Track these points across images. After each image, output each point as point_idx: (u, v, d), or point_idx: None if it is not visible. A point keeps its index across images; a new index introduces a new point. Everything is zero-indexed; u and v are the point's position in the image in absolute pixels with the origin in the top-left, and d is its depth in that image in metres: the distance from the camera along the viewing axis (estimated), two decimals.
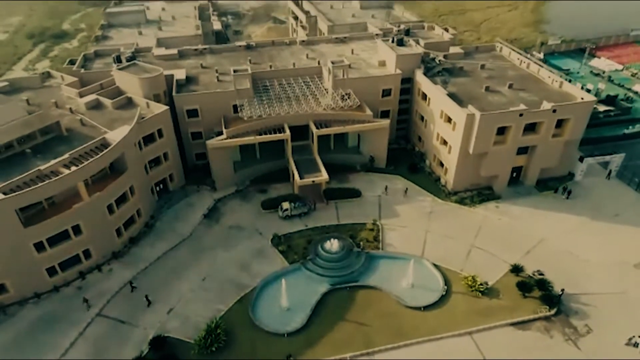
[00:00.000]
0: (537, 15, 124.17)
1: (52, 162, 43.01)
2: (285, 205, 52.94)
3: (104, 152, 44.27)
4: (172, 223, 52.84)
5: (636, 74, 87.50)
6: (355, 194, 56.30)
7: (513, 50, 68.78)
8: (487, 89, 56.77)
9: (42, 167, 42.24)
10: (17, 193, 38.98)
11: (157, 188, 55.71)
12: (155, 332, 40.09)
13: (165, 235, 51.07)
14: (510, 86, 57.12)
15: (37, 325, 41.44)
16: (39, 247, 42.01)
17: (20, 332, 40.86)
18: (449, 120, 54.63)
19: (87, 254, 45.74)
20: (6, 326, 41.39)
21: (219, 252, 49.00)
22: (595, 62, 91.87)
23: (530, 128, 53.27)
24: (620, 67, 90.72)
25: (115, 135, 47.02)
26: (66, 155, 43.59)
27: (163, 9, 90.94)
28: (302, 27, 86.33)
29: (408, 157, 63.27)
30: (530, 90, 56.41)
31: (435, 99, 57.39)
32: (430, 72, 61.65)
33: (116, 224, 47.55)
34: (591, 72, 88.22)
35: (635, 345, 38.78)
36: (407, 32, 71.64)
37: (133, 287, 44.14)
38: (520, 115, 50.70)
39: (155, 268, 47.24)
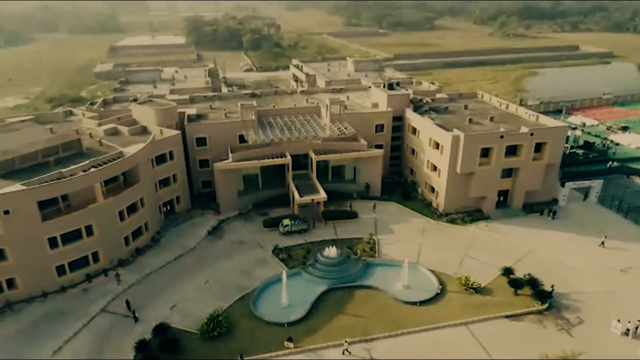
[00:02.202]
0: (518, 86, 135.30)
1: (73, 166, 46.80)
2: (286, 221, 55.78)
3: (121, 159, 48.27)
4: (177, 238, 55.23)
5: (611, 127, 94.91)
6: (352, 215, 59.36)
7: (493, 96, 75.90)
8: (470, 120, 62.49)
9: (63, 170, 45.91)
10: (39, 185, 42.28)
11: (164, 209, 58.73)
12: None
13: (170, 248, 53.24)
14: (491, 119, 62.91)
15: (43, 319, 42.40)
16: (53, 243, 44.25)
17: (25, 324, 41.76)
18: (437, 146, 59.52)
19: (95, 257, 47.69)
20: (12, 320, 42.33)
21: (221, 261, 50.95)
22: (572, 119, 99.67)
23: (512, 152, 58.04)
24: (595, 122, 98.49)
25: (131, 150, 51.34)
26: (86, 162, 47.52)
27: (176, 71, 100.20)
28: (302, 85, 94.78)
29: (401, 188, 67.12)
30: (509, 123, 62.00)
31: (423, 129, 62.85)
32: (418, 110, 67.89)
33: (125, 231, 50.03)
34: (569, 125, 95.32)
35: (627, 332, 39.89)
36: (398, 84, 79.23)
37: (130, 309, 43.20)
38: (501, 137, 55.75)
39: (160, 273, 48.92)
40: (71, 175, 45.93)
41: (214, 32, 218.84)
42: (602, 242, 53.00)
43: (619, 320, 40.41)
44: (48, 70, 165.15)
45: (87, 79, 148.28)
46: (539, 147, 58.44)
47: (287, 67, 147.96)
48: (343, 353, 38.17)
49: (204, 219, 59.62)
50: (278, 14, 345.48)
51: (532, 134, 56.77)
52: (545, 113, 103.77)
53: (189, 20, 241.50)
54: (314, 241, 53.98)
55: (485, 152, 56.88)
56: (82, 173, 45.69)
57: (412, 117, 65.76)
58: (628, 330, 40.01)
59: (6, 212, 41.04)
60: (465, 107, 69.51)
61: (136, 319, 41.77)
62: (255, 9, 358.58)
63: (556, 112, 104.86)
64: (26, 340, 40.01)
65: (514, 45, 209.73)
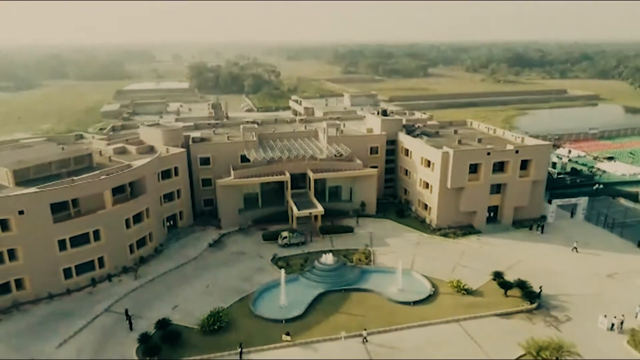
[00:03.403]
0: (508, 124, 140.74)
1: (84, 175, 49.71)
2: (285, 234, 57.99)
3: (129, 169, 51.26)
4: (179, 250, 57.22)
5: (597, 157, 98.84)
6: (348, 229, 61.66)
7: (481, 123, 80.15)
8: (459, 142, 66.11)
9: (75, 178, 48.78)
10: (52, 188, 45.01)
11: (168, 223, 61.02)
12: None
13: (172, 257, 55.17)
14: (479, 140, 66.51)
15: (48, 317, 43.78)
16: (62, 245, 46.35)
17: (31, 322, 43.08)
18: (428, 164, 62.80)
19: (101, 262, 49.57)
20: (18, 318, 43.69)
21: (222, 269, 52.77)
22: (559, 151, 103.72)
23: (500, 168, 61.27)
24: (583, 153, 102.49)
25: (139, 163, 54.44)
26: (97, 172, 50.48)
27: (181, 105, 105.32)
28: (301, 116, 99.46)
29: (396, 207, 69.65)
30: (496, 144, 65.47)
31: (415, 150, 66.39)
32: (410, 134, 71.74)
33: (130, 239, 52.16)
34: (557, 156, 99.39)
35: (612, 327, 41.37)
36: (392, 112, 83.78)
37: (129, 315, 43.30)
38: (488, 153, 59.18)
39: (162, 279, 50.60)
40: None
41: (217, 77, 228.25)
42: (575, 248, 56.37)
43: (605, 316, 42.00)
44: (56, 110, 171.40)
45: (94, 118, 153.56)
46: (525, 165, 61.73)
47: (287, 108, 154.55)
48: (363, 342, 39.95)
49: (205, 233, 61.80)
50: (278, 63, 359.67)
51: (517, 151, 60.24)
52: None
53: (192, 66, 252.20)
54: (312, 252, 55.92)
55: (474, 168, 60.04)
56: (93, 179, 48.52)
57: (405, 140, 69.51)
58: (613, 325, 41.51)
59: (21, 212, 43.47)
60: (455, 131, 73.45)
61: (131, 327, 41.82)
62: (256, 58, 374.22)
63: None
64: (31, 335, 41.25)
65: (505, 89, 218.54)
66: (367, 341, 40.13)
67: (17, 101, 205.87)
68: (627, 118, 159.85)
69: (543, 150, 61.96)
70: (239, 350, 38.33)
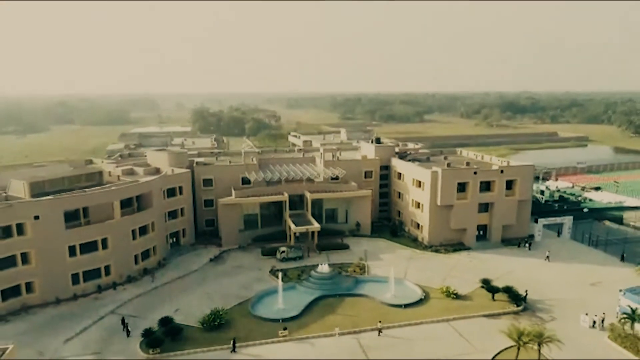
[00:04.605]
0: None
1: (96, 188, 53.15)
2: (283, 248, 60.63)
3: (137, 182, 54.75)
4: (181, 263, 59.64)
5: (584, 187, 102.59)
6: (344, 246, 64.32)
7: (470, 152, 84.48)
8: (448, 165, 70.01)
9: (87, 190, 52.20)
10: (67, 195, 48.32)
11: (171, 240, 63.69)
12: None
13: (175, 270, 57.53)
14: (467, 164, 70.52)
15: (56, 318, 45.77)
16: (72, 251, 49.01)
17: (39, 322, 45.07)
18: (419, 184, 66.39)
19: (107, 270, 51.96)
20: (26, 319, 45.64)
21: (222, 279, 55.07)
22: (548, 183, 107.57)
23: (487, 188, 64.81)
24: (570, 185, 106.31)
25: (147, 180, 58.01)
26: (107, 185, 53.95)
27: (185, 139, 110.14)
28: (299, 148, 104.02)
29: (390, 228, 72.48)
30: (483, 167, 69.55)
31: (407, 172, 70.22)
32: (403, 159, 75.82)
33: (136, 250, 54.77)
34: (546, 187, 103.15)
35: (594, 325, 43.41)
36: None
37: (125, 324, 44.03)
38: (475, 172, 62.95)
39: (165, 288, 52.81)
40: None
41: (219, 120, 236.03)
42: (547, 257, 59.84)
43: (586, 314, 44.13)
44: (62, 150, 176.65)
45: (99, 156, 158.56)
46: (510, 185, 65.32)
47: (287, 147, 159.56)
48: (379, 334, 42.49)
49: (206, 250, 64.32)
50: (278, 110, 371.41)
51: (502, 171, 64.07)
52: None
53: (195, 111, 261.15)
54: (309, 265, 58.25)
55: (462, 187, 63.53)
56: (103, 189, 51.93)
57: (397, 164, 73.52)
58: (595, 322, 43.56)
59: (36, 218, 46.52)
60: (445, 157, 77.62)
61: (128, 334, 42.71)
62: (257, 106, 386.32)
63: (535, 179, 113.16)
64: (39, 333, 43.10)
65: (498, 132, 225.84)
66: (381, 333, 42.50)
67: (24, 142, 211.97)
68: (617, 157, 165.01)
69: (527, 170, 65.82)
70: (232, 344, 40.23)
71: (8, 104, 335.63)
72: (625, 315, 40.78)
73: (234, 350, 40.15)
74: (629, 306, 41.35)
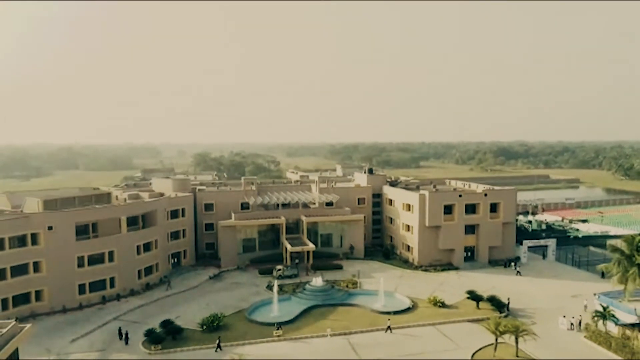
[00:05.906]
0: None
1: (105, 205, 57.04)
2: (279, 266, 63.69)
3: (144, 200, 58.69)
4: (182, 281, 62.36)
5: (572, 219, 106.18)
6: (337, 267, 67.25)
7: (459, 182, 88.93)
8: (436, 190, 74.33)
9: (97, 206, 56.07)
10: (79, 209, 52.14)
11: (172, 260, 66.68)
12: None
13: (176, 286, 60.16)
14: (454, 189, 74.82)
15: (63, 323, 48.28)
16: (80, 262, 52.15)
17: (47, 326, 47.54)
18: (409, 208, 70.31)
19: (112, 282, 54.81)
20: (34, 324, 47.73)
21: (221, 293, 57.81)
22: (537, 216, 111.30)
23: (472, 210, 68.68)
24: (559, 218, 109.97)
25: (152, 200, 62.01)
26: (116, 203, 57.88)
27: (187, 175, 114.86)
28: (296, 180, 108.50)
29: (382, 252, 75.58)
30: (469, 194, 73.79)
31: (397, 197, 74.34)
32: (394, 187, 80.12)
33: (139, 265, 57.80)
34: (534, 219, 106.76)
35: (572, 327, 46.02)
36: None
37: (122, 333, 45.27)
38: (460, 195, 67.10)
39: (166, 300, 55.48)
40: None
41: (219, 164, 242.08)
42: (518, 272, 64.03)
43: (564, 316, 46.82)
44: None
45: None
46: (494, 208, 69.25)
47: None
48: (386, 331, 45.47)
49: (206, 270, 67.13)
50: (278, 158, 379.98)
51: (486, 195, 68.24)
52: None
53: (196, 155, 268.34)
54: (304, 281, 61.00)
55: (449, 209, 67.43)
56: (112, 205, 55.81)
57: (389, 191, 77.76)
58: (572, 324, 46.18)
59: (50, 228, 50.11)
60: (434, 186, 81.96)
61: (127, 342, 44.25)
62: (257, 153, 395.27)
63: (524, 213, 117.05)
64: (46, 335, 45.53)
65: (491, 175, 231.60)
66: (391, 331, 45.51)
67: (27, 186, 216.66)
68: (608, 197, 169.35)
69: (509, 194, 70.03)
70: (217, 342, 42.49)
71: (14, 151, 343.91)
72: (597, 314, 43.55)
73: (219, 349, 42.28)
74: (601, 305, 44.20)
